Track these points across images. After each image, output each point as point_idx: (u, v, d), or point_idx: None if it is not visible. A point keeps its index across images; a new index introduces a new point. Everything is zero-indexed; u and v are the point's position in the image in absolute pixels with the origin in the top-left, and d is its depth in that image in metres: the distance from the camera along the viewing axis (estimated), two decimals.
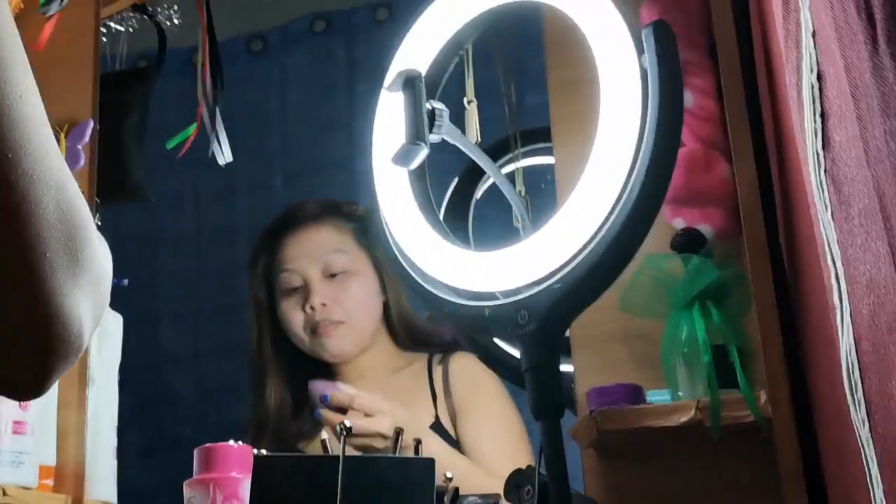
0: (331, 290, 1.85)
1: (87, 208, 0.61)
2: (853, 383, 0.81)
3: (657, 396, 1.31)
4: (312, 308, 1.83)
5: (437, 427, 1.75)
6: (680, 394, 1.28)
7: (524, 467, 1.23)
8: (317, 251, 1.88)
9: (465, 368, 1.82)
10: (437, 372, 1.83)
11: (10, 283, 0.57)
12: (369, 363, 1.86)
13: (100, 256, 0.62)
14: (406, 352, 1.88)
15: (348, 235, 1.90)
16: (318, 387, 1.70)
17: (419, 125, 1.19)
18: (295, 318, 1.86)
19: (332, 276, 1.86)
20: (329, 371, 1.88)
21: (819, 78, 0.82)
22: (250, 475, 1.22)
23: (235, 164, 1.89)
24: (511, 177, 1.69)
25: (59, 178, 0.59)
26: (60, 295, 0.58)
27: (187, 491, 1.30)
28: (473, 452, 1.72)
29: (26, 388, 0.61)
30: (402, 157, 1.22)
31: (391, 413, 1.64)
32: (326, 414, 1.63)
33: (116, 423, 1.61)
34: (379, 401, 1.65)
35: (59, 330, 0.58)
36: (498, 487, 1.42)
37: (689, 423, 1.22)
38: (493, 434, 1.74)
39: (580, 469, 1.40)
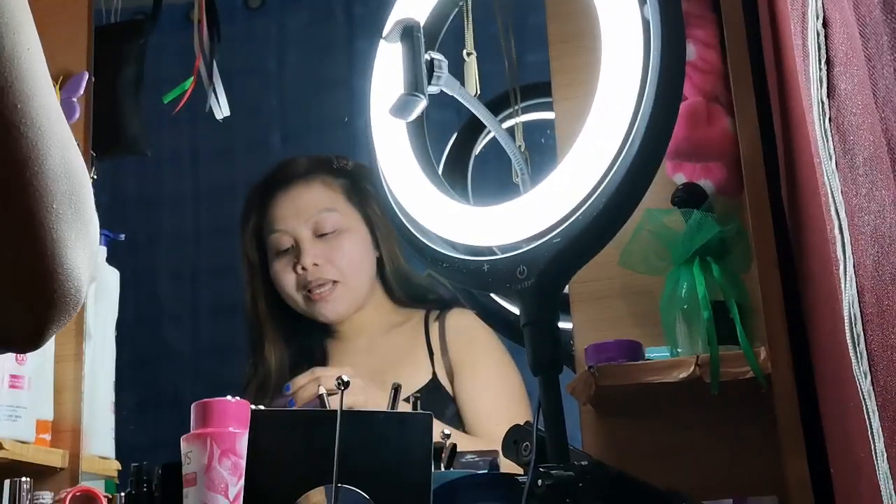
0: (322, 250, 1.83)
1: (86, 169, 0.62)
2: (855, 336, 0.80)
3: (656, 353, 1.30)
4: (304, 268, 1.81)
5: (433, 384, 1.75)
6: (679, 350, 1.28)
7: (522, 423, 1.22)
8: (306, 210, 1.86)
9: (463, 325, 1.81)
10: (434, 329, 1.83)
11: (19, 232, 0.57)
12: (365, 321, 1.85)
13: (95, 217, 0.62)
14: (402, 308, 1.87)
15: (339, 192, 1.87)
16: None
17: (418, 76, 1.18)
18: (287, 279, 1.84)
19: (323, 235, 1.84)
20: (326, 330, 1.87)
21: (825, 25, 0.80)
22: (248, 430, 1.21)
23: (233, 122, 1.87)
24: (510, 132, 1.67)
25: (63, 134, 0.60)
26: (65, 247, 0.58)
27: (185, 445, 1.29)
28: (469, 410, 1.71)
29: (25, 341, 0.61)
30: (400, 109, 1.20)
31: (362, 391, 1.64)
32: (298, 396, 1.67)
33: (114, 379, 1.61)
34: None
35: (63, 282, 0.58)
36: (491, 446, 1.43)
37: (689, 379, 1.21)
38: (490, 391, 1.73)
39: (578, 425, 1.40)
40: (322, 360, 1.86)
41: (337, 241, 1.83)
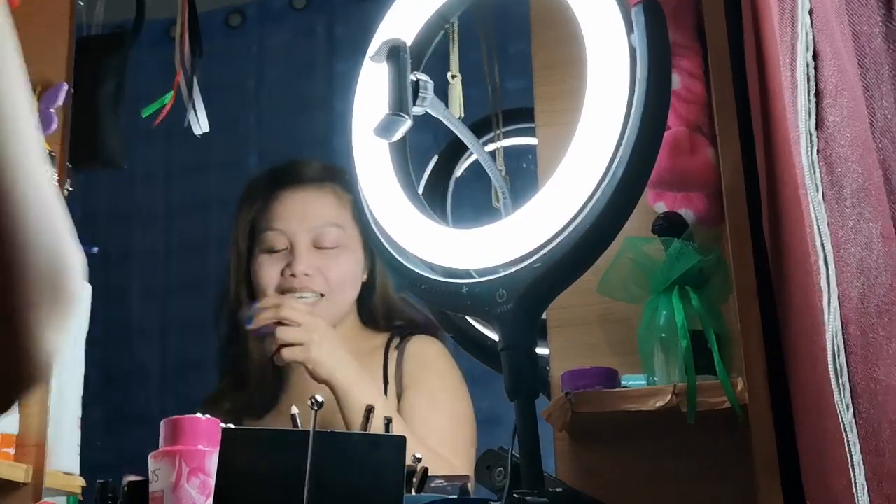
0: (318, 261, 1.79)
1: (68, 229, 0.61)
2: (838, 367, 0.80)
3: (633, 381, 1.30)
4: (294, 275, 1.79)
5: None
6: (656, 379, 1.27)
7: (496, 448, 1.21)
8: (312, 218, 1.82)
9: (419, 350, 1.79)
10: (392, 356, 1.81)
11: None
12: None
13: (79, 284, 0.61)
14: (369, 331, 1.85)
15: (347, 208, 1.83)
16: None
17: (403, 96, 1.18)
18: (270, 277, 1.81)
19: (322, 247, 1.81)
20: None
21: (815, 57, 0.80)
22: (218, 448, 1.19)
23: (209, 140, 1.85)
24: (492, 157, 1.67)
25: (44, 202, 0.58)
26: (42, 330, 0.58)
27: (152, 463, 1.27)
28: (412, 431, 1.67)
29: None
30: (385, 129, 1.20)
31: (316, 325, 1.68)
32: (257, 317, 1.70)
33: (81, 394, 1.58)
34: (304, 313, 1.71)
35: (35, 368, 0.59)
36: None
37: (665, 407, 1.21)
38: (436, 414, 1.71)
39: (553, 452, 1.39)
40: (279, 383, 1.84)
41: (335, 257, 1.80)
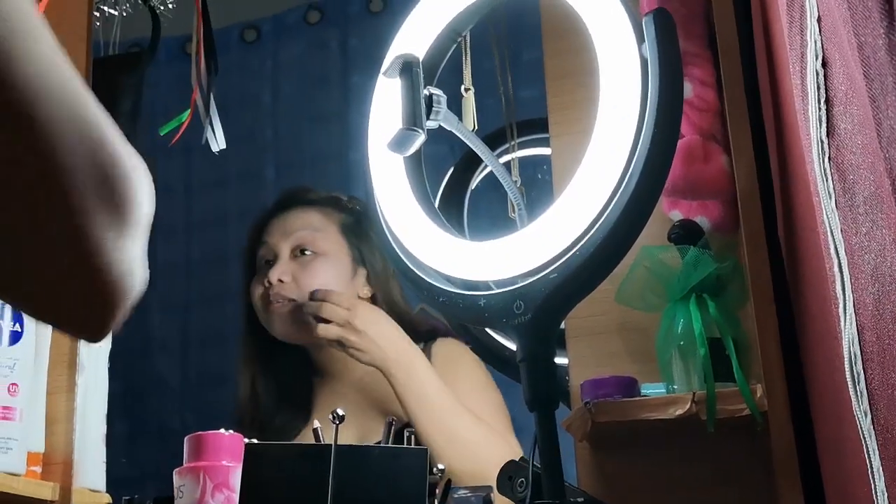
0: (292, 268, 1.81)
1: (123, 154, 0.58)
2: (855, 374, 0.80)
3: (652, 389, 1.30)
4: (269, 283, 1.80)
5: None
6: (675, 387, 1.27)
7: (518, 459, 1.22)
8: (291, 227, 1.84)
9: (447, 351, 1.79)
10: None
11: (50, 237, 0.55)
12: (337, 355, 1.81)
13: (142, 190, 0.59)
14: None
15: (332, 222, 1.85)
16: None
17: (416, 111, 1.18)
18: (256, 291, 1.83)
19: (299, 256, 1.82)
20: (306, 357, 1.85)
21: (824, 65, 0.81)
22: (241, 464, 1.20)
23: (227, 154, 1.87)
24: (507, 167, 1.68)
25: (85, 117, 0.56)
26: (110, 255, 0.56)
27: (177, 479, 1.28)
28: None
29: (89, 335, 0.61)
30: (399, 143, 1.21)
31: (364, 309, 1.69)
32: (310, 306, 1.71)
33: (106, 411, 1.60)
34: (354, 299, 1.73)
35: (112, 282, 0.57)
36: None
37: (685, 415, 1.21)
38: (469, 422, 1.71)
39: (574, 461, 1.39)
40: (305, 394, 1.84)
41: (310, 264, 1.81)
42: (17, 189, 0.52)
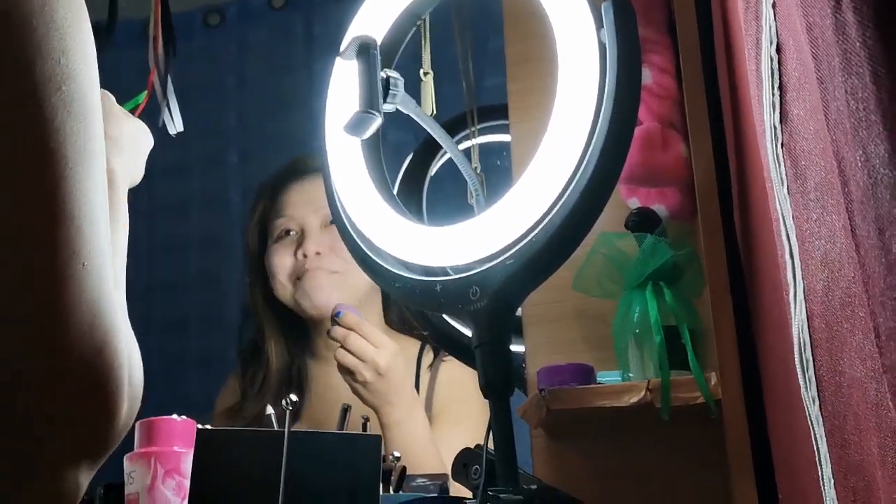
0: (329, 239, 1.78)
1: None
2: (805, 361, 0.80)
3: (608, 377, 1.30)
4: (305, 255, 1.77)
5: None
6: (630, 375, 1.27)
7: (472, 446, 1.21)
8: (318, 199, 1.79)
9: (456, 377, 1.76)
10: (425, 364, 1.79)
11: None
12: None
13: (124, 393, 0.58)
14: (397, 334, 1.82)
15: None
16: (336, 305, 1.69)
17: (373, 93, 1.17)
18: (282, 262, 1.79)
19: (331, 225, 1.79)
20: (306, 335, 1.83)
21: (778, 50, 0.81)
22: (193, 450, 1.19)
23: (190, 139, 1.85)
24: (467, 154, 1.67)
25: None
26: (66, 470, 0.55)
27: (127, 465, 1.26)
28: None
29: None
30: (355, 126, 1.19)
31: (393, 351, 1.63)
32: (336, 331, 1.63)
33: None
34: (383, 336, 1.65)
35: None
36: None
37: (640, 403, 1.21)
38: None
39: (529, 449, 1.39)
40: (303, 373, 1.82)
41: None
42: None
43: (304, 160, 1.91)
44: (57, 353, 0.52)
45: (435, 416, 1.75)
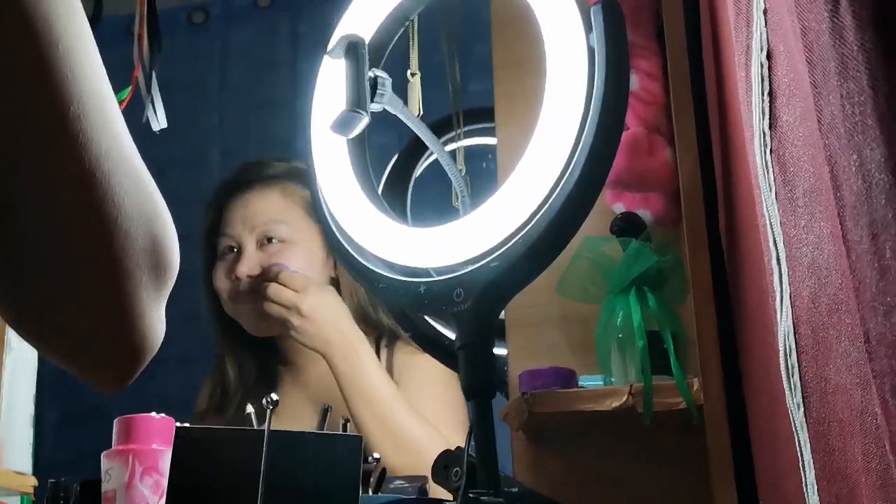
0: (260, 258, 1.77)
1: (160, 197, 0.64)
2: (790, 367, 0.80)
3: (590, 381, 1.30)
4: (237, 278, 1.76)
5: None
6: (613, 379, 1.27)
7: (453, 448, 1.21)
8: (254, 217, 1.79)
9: (412, 359, 1.77)
10: (382, 356, 1.78)
11: (96, 298, 0.59)
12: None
13: (176, 253, 0.64)
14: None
15: (296, 203, 1.80)
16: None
17: (360, 92, 1.17)
18: (223, 283, 1.79)
19: (266, 246, 1.78)
20: (272, 344, 1.82)
21: (769, 56, 0.81)
22: (171, 448, 1.18)
23: (172, 138, 1.83)
24: (452, 156, 1.67)
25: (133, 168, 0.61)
26: (146, 315, 0.61)
27: (105, 462, 1.25)
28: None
29: (106, 387, 0.65)
30: (342, 125, 1.19)
31: (314, 293, 1.66)
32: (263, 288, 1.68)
33: (34, 391, 1.56)
34: (306, 280, 1.69)
35: (144, 346, 0.62)
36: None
37: (621, 408, 1.21)
38: (429, 402, 1.69)
39: (510, 452, 1.39)
40: (268, 382, 1.81)
41: (279, 254, 1.77)
42: (75, 252, 0.57)
43: (256, 167, 1.88)
44: None
45: (398, 381, 1.74)
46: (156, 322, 0.63)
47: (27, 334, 0.61)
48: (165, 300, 0.64)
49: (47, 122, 0.57)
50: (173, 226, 0.64)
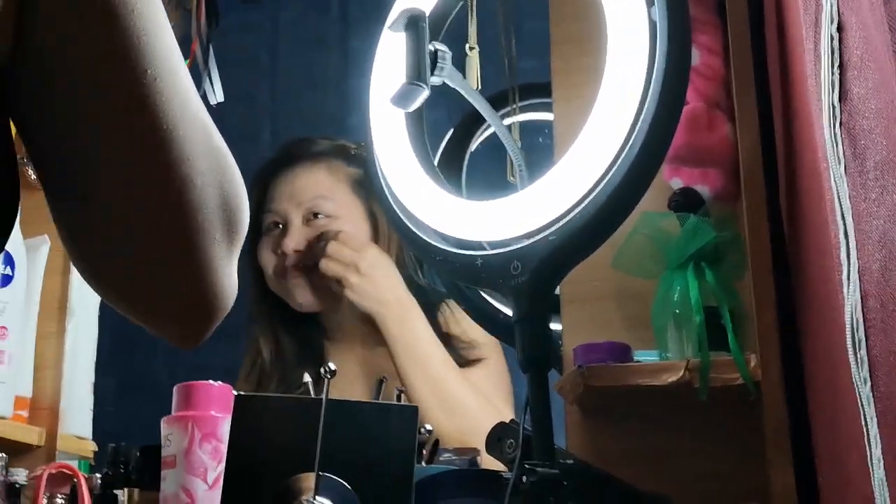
0: (307, 234, 1.78)
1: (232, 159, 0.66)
2: (857, 341, 0.80)
3: (645, 356, 1.30)
4: (284, 252, 1.76)
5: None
6: (668, 355, 1.27)
7: (508, 421, 1.21)
8: (300, 194, 1.79)
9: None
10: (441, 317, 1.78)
11: (174, 252, 0.62)
12: (349, 317, 1.80)
13: (246, 212, 0.67)
14: None
15: (342, 180, 1.80)
16: None
17: (421, 65, 1.17)
18: (267, 260, 1.79)
19: (312, 221, 1.78)
20: (312, 323, 1.83)
21: (839, 29, 0.80)
22: (230, 415, 1.20)
23: (223, 114, 1.85)
24: (507, 130, 1.67)
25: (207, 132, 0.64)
26: (218, 271, 0.63)
27: (165, 428, 1.28)
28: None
29: (183, 342, 0.68)
30: (402, 98, 1.19)
31: (373, 254, 1.70)
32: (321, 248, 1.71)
33: (95, 358, 1.59)
34: (364, 241, 1.73)
35: (219, 298, 0.64)
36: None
37: (677, 383, 1.21)
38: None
39: (563, 425, 1.39)
40: (314, 355, 1.82)
41: (326, 228, 1.78)
42: (153, 211, 0.60)
43: (301, 144, 1.89)
44: None
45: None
46: (229, 279, 0.65)
47: (109, 289, 0.63)
48: (237, 258, 0.66)
49: (128, 86, 0.58)
50: (243, 183, 0.66)
